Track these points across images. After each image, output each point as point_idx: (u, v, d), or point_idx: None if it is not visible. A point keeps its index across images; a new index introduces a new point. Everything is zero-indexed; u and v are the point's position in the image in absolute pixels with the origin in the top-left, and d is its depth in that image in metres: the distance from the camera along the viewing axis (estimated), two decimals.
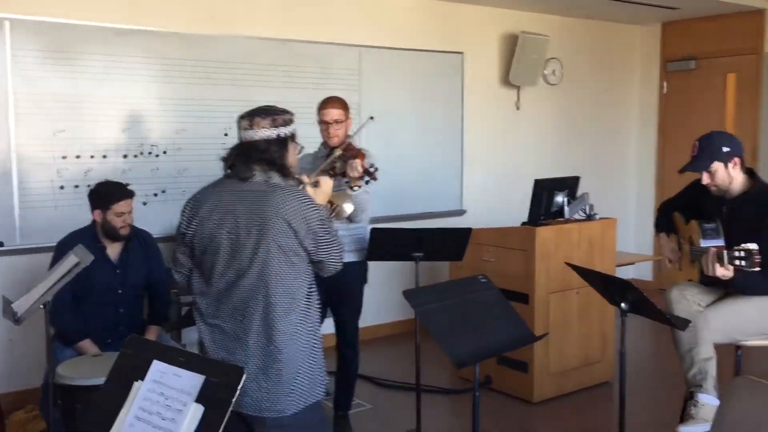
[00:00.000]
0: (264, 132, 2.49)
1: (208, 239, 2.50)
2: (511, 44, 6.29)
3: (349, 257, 3.65)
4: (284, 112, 2.57)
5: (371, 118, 3.80)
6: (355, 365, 3.93)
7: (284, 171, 2.51)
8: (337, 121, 3.66)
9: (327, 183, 2.79)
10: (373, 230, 3.69)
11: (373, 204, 3.83)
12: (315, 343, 2.52)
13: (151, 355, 1.92)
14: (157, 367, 1.86)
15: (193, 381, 1.77)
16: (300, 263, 2.48)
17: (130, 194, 3.63)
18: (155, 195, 4.75)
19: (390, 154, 5.76)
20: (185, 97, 4.85)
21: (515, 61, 6.22)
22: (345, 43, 5.49)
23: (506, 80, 6.36)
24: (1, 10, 4.20)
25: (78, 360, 3.31)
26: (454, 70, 6.09)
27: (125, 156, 4.66)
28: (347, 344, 3.90)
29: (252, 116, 2.52)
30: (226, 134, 4.95)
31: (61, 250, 3.41)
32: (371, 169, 3.42)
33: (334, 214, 3.05)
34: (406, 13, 5.83)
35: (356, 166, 3.38)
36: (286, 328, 2.44)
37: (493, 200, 6.36)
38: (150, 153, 4.76)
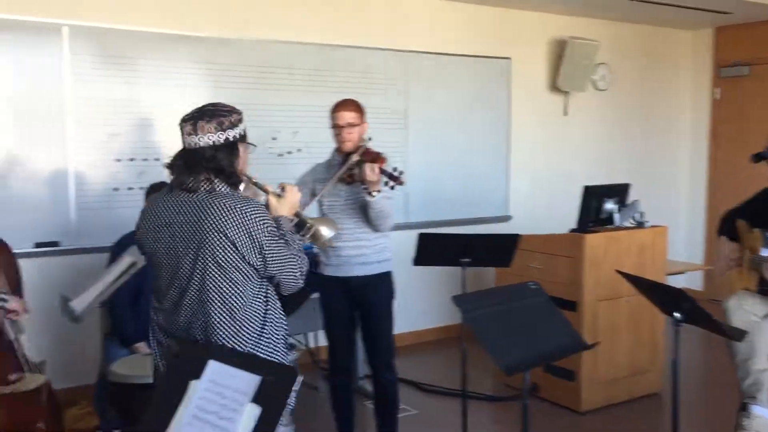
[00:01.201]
0: (210, 137, 2.23)
1: (150, 254, 2.35)
2: (559, 49, 6.23)
3: (374, 269, 3.47)
4: (232, 111, 2.31)
5: (369, 139, 3.43)
6: (394, 390, 3.60)
7: (233, 179, 2.28)
8: (350, 125, 3.38)
9: (293, 193, 2.48)
10: (421, 235, 3.68)
11: (397, 210, 3.58)
12: None
13: (206, 355, 1.96)
14: (213, 367, 1.90)
15: (250, 381, 1.80)
16: (244, 281, 2.24)
17: None
18: None
19: (436, 160, 5.76)
20: (234, 101, 4.76)
21: (563, 67, 6.16)
22: (391, 48, 5.51)
23: (554, 86, 6.30)
24: (59, 16, 4.32)
25: (132, 358, 3.38)
26: (501, 76, 6.07)
27: None
28: (382, 365, 3.56)
29: (195, 120, 2.25)
30: (274, 138, 5.04)
31: (119, 249, 3.48)
32: (395, 173, 3.22)
33: (309, 235, 2.67)
34: (453, 18, 5.82)
35: (373, 170, 3.19)
36: None
37: (540, 206, 6.30)
38: None
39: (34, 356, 3.20)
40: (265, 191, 2.45)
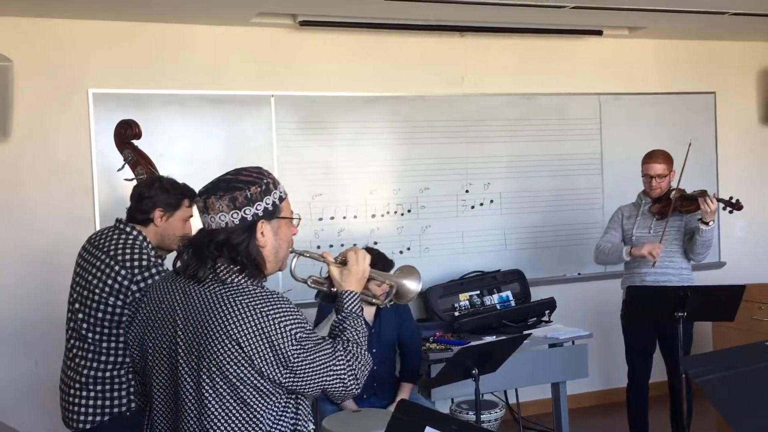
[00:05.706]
0: (222, 217, 1.77)
1: (140, 353, 1.87)
2: None
3: None
4: (252, 182, 1.80)
5: (690, 143, 3.98)
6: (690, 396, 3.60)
7: (251, 268, 1.79)
8: (659, 176, 3.96)
9: (363, 258, 2.00)
10: (630, 288, 3.47)
11: None
12: None
13: (423, 421, 1.92)
14: None
15: None
16: (263, 403, 1.74)
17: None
18: (400, 252, 4.89)
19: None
20: (428, 156, 4.99)
21: None
22: (583, 92, 5.36)
23: (767, 119, 5.78)
24: (267, 88, 4.66)
25: (340, 415, 3.45)
26: (704, 112, 5.67)
27: (373, 216, 4.88)
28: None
29: (208, 195, 1.80)
30: (467, 191, 5.02)
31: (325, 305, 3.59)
32: (733, 200, 3.72)
33: (390, 297, 2.20)
34: (648, 55, 5.55)
35: (712, 200, 3.64)
36: None
37: (757, 251, 5.74)
38: (395, 212, 4.94)
39: None
40: (326, 262, 2.03)
